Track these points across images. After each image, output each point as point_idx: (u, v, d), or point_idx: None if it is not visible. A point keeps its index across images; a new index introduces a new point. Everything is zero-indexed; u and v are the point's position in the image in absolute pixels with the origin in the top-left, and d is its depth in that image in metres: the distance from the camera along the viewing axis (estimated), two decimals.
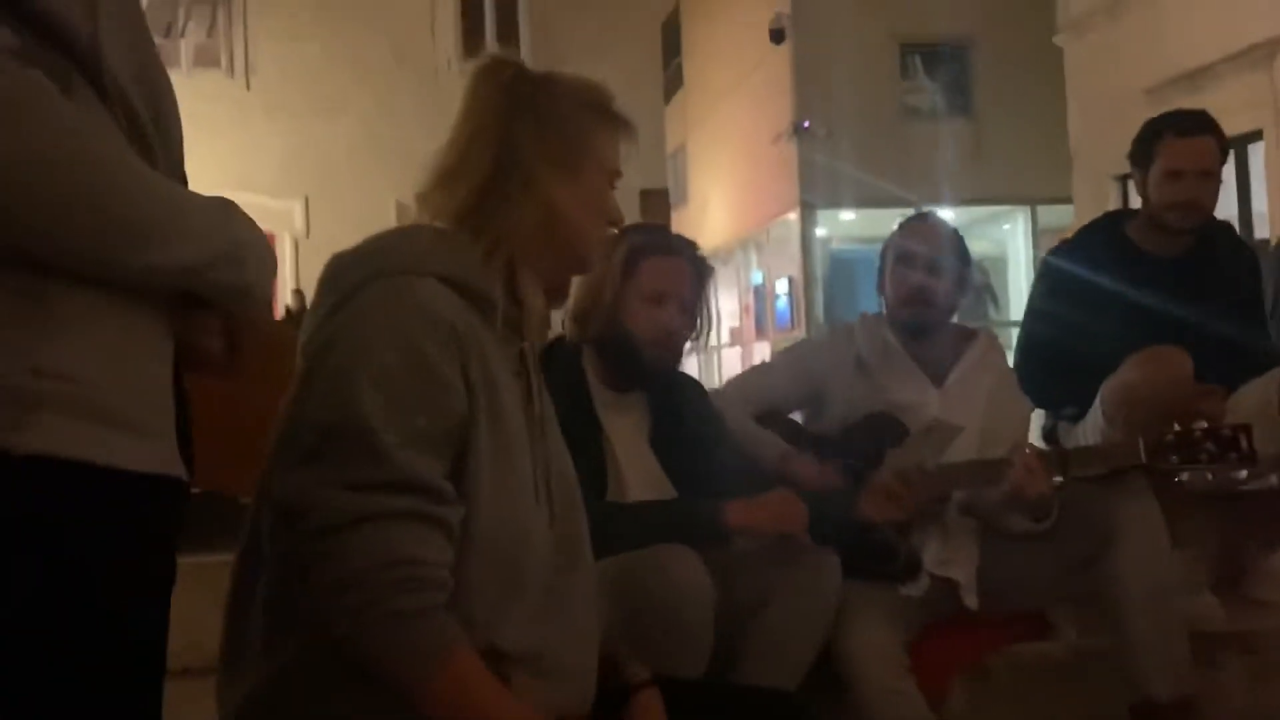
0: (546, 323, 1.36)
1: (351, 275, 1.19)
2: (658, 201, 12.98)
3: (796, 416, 2.31)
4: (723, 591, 1.68)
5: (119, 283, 0.87)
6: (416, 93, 13.25)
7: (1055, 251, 2.73)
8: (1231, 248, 2.67)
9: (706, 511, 1.76)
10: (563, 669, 1.24)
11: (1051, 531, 1.99)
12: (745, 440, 2.10)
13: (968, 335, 2.23)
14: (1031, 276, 16.11)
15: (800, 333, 14.91)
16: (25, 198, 0.79)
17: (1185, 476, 2.00)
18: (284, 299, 12.50)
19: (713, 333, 2.02)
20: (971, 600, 2.09)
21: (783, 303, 15.49)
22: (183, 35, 12.32)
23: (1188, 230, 2.52)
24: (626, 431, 1.90)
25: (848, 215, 15.27)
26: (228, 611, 1.21)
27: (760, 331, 15.81)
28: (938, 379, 2.17)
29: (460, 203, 1.24)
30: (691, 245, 1.98)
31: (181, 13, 12.31)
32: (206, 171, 13.15)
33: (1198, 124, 2.57)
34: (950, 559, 2.11)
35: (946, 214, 16.46)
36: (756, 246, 16.73)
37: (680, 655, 1.61)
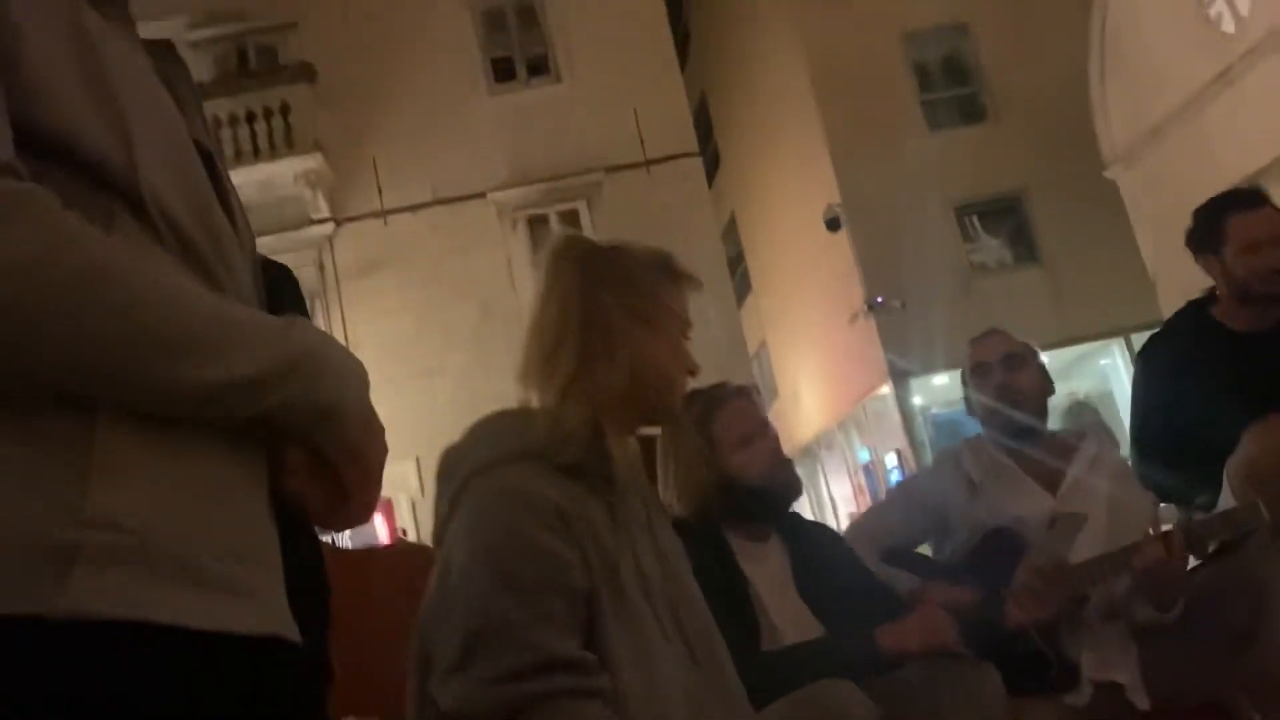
0: (639, 464, 1.47)
1: (457, 471, 1.35)
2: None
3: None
4: (893, 714, 1.72)
5: (176, 410, 0.74)
6: (505, 340, 13.94)
7: (1148, 348, 2.79)
8: None
9: (858, 641, 1.82)
10: None
11: (1201, 614, 1.98)
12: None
13: (1076, 438, 2.30)
14: None
15: None
16: (23, 313, 0.66)
17: None
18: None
19: (830, 519, 2.12)
20: (1141, 700, 2.07)
21: (895, 476, 15.30)
22: None
23: (1275, 299, 2.58)
24: (769, 579, 1.99)
25: (940, 379, 15.27)
26: None
27: None
28: (1053, 487, 2.22)
29: (563, 375, 1.38)
30: (729, 385, 2.14)
31: None
32: None
33: (1256, 198, 2.69)
34: (1109, 662, 2.10)
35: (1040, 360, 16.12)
36: (856, 426, 16.72)
37: None
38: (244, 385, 0.76)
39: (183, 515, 0.73)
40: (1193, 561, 2.06)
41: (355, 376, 0.89)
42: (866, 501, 16.16)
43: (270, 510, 0.83)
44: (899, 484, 2.53)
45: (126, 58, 0.83)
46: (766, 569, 2.02)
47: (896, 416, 14.98)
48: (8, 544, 0.65)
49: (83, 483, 0.69)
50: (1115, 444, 2.33)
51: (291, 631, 0.80)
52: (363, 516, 0.90)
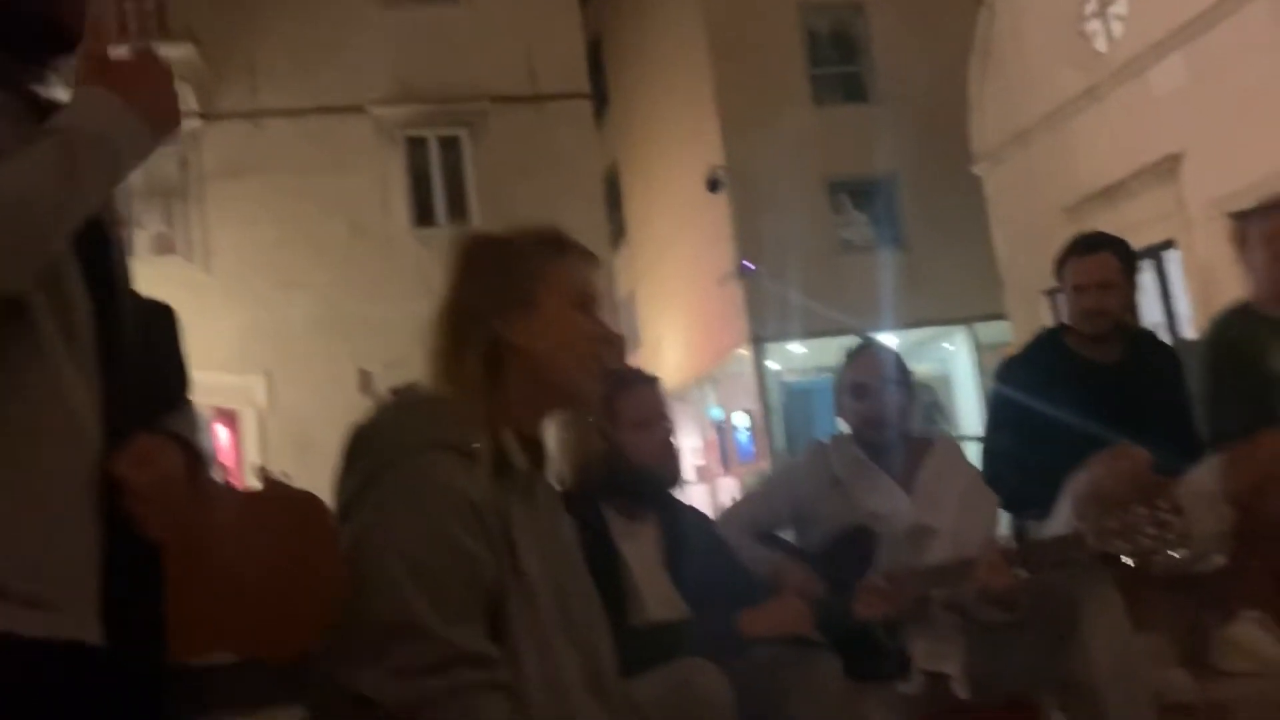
0: (541, 457, 1.48)
1: (377, 451, 1.37)
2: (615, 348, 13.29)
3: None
4: (742, 697, 1.85)
5: None
6: (372, 263, 13.64)
7: (1005, 366, 3.03)
8: (1156, 350, 2.98)
9: (721, 624, 1.95)
10: None
11: (1024, 620, 2.19)
12: (744, 557, 2.30)
13: (928, 441, 2.48)
14: (976, 391, 16.57)
15: (764, 465, 15.15)
16: None
17: (1132, 561, 2.20)
18: (248, 473, 12.51)
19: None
20: (962, 691, 2.27)
21: (744, 436, 15.76)
22: (141, 226, 12.65)
23: (1103, 336, 2.83)
24: (642, 557, 2.09)
25: (797, 347, 15.76)
26: None
27: (726, 468, 16.01)
28: (907, 484, 2.40)
29: (461, 371, 1.41)
30: (639, 371, 2.23)
31: (139, 204, 12.69)
32: None
33: (1095, 243, 2.93)
34: (939, 654, 2.29)
35: (889, 339, 16.89)
36: (713, 384, 17.12)
37: None
38: None
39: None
40: None
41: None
42: (715, 458, 16.62)
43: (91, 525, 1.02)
44: (771, 474, 2.70)
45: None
46: (640, 547, 2.12)
47: (752, 379, 15.40)
48: None
49: None
50: (960, 448, 2.52)
51: (94, 636, 0.99)
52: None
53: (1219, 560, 2.79)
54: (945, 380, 16.72)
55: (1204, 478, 2.64)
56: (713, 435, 16.94)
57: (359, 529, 1.33)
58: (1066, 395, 2.77)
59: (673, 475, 2.13)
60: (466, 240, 1.52)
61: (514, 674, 1.31)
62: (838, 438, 2.51)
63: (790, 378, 16.21)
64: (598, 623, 1.50)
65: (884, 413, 2.40)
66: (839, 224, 16.16)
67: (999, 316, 14.07)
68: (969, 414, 15.92)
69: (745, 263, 14.81)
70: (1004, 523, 2.78)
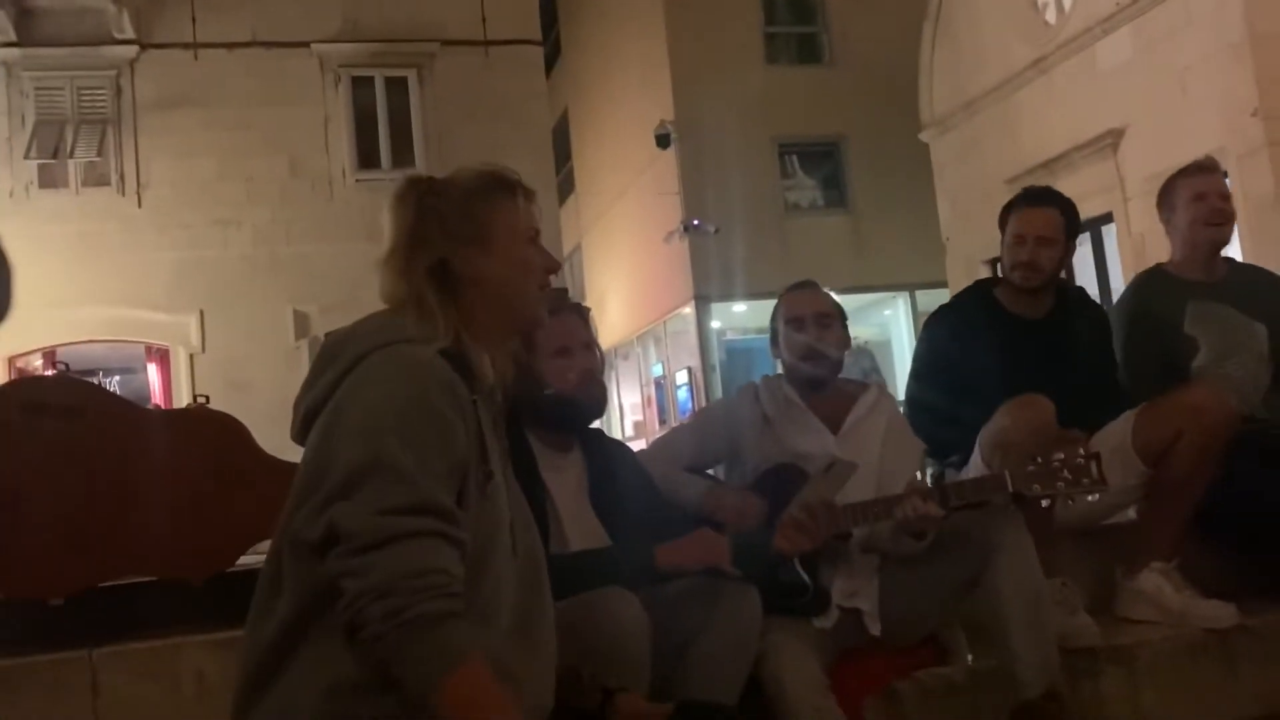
0: (505, 378, 1.56)
1: (352, 349, 1.41)
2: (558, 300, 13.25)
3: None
4: (659, 627, 1.87)
5: None
6: (311, 205, 13.38)
7: (934, 316, 3.06)
8: (1085, 308, 3.03)
9: (640, 556, 1.96)
10: (530, 678, 1.43)
11: (937, 558, 2.23)
12: (672, 486, 2.32)
13: (859, 387, 2.51)
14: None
15: None
16: None
17: (1047, 503, 2.26)
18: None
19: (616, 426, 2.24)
20: (875, 628, 2.32)
21: (683, 393, 15.85)
22: (71, 156, 12.24)
23: (1034, 290, 2.86)
24: (566, 489, 2.10)
25: (739, 307, 15.83)
26: (247, 632, 1.39)
27: (663, 423, 16.11)
28: (835, 427, 2.43)
29: (416, 294, 1.46)
30: (567, 298, 2.24)
31: (70, 133, 12.27)
32: (98, 289, 12.87)
33: (1043, 197, 2.95)
34: (855, 592, 2.34)
35: None
36: (655, 340, 17.16)
37: (624, 683, 1.79)
38: None
39: None
40: None
41: None
42: (653, 413, 16.70)
43: None
44: (700, 410, 2.73)
45: None
46: (564, 478, 2.12)
47: (694, 337, 15.46)
48: None
49: None
50: (891, 396, 2.55)
51: None
52: None
53: (1129, 513, 2.88)
54: (884, 345, 16.92)
55: (1118, 432, 2.71)
56: (652, 391, 17.02)
57: (334, 407, 1.36)
58: (992, 347, 2.82)
59: (593, 404, 2.13)
60: (418, 181, 1.55)
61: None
62: (769, 378, 2.53)
63: (732, 336, 16.30)
64: (535, 539, 1.54)
65: (820, 345, 2.42)
66: (786, 185, 16.20)
67: (940, 284, 14.24)
68: (906, 379, 16.17)
69: (693, 220, 14.80)
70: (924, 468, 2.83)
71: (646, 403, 17.03)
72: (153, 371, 13.67)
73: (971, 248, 13.03)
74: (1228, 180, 3.17)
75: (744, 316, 16.31)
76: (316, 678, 1.31)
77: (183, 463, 2.41)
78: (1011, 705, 2.17)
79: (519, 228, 1.56)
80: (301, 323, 13.53)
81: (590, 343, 2.13)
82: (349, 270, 13.49)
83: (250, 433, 2.51)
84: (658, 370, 16.92)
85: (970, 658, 2.44)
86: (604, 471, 2.16)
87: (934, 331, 3.00)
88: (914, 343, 16.12)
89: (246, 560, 2.53)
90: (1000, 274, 2.95)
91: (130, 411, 2.47)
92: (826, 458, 2.32)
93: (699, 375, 15.30)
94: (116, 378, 14.69)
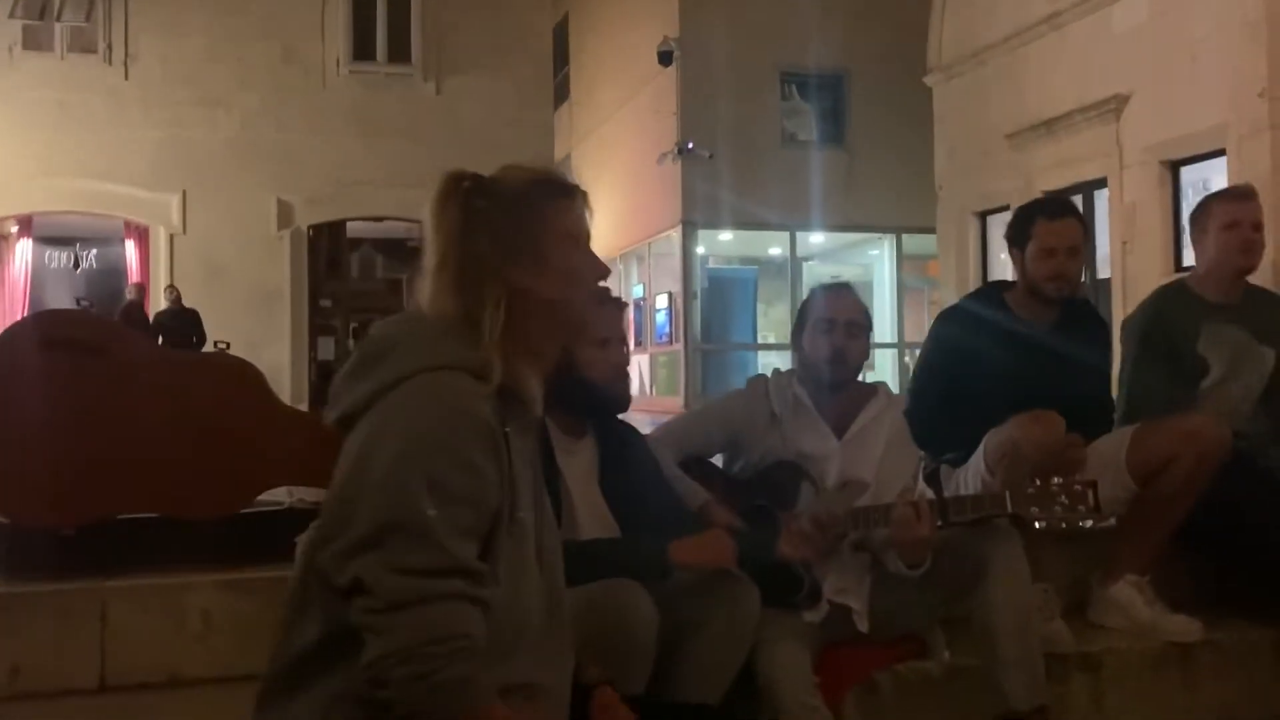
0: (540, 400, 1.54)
1: (396, 363, 1.39)
2: None
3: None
4: (662, 617, 1.94)
5: None
6: (303, 93, 13.11)
7: (945, 314, 3.11)
8: (1090, 320, 3.08)
9: (653, 550, 2.01)
10: (548, 693, 1.49)
11: (932, 569, 2.31)
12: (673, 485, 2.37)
13: (869, 392, 2.55)
14: (893, 299, 16.89)
15: (678, 347, 15.33)
16: None
17: (1042, 526, 2.33)
18: (158, 292, 12.19)
19: None
20: (863, 625, 2.41)
21: (662, 317, 15.88)
22: (58, 19, 11.86)
23: (1059, 300, 2.92)
24: (578, 474, 2.13)
25: (726, 235, 15.78)
26: (276, 660, 1.42)
27: (639, 344, 16.17)
28: (840, 431, 2.48)
29: (461, 312, 1.43)
30: (608, 291, 2.25)
31: None
32: (80, 159, 12.69)
33: (1063, 208, 2.98)
34: (846, 588, 2.41)
35: (818, 238, 16.99)
36: (638, 259, 17.11)
37: (627, 675, 1.86)
38: None
39: None
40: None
41: None
42: (630, 336, 16.72)
43: None
44: (712, 401, 2.79)
45: None
46: (578, 463, 2.15)
47: (678, 261, 15.43)
48: None
49: None
50: (898, 401, 2.60)
51: None
52: None
53: (1110, 523, 2.97)
54: (867, 286, 17.00)
55: (1114, 446, 2.78)
56: (630, 312, 17.04)
57: (370, 430, 1.36)
58: (998, 351, 2.87)
59: (621, 398, 2.16)
60: (463, 177, 1.49)
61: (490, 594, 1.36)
62: (780, 375, 2.56)
63: (716, 264, 16.29)
64: (559, 549, 1.56)
65: (848, 353, 2.46)
66: (785, 114, 16.02)
67: (927, 230, 14.26)
68: (884, 321, 16.27)
69: (688, 143, 14.65)
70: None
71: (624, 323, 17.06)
72: (130, 248, 13.50)
73: (964, 198, 13.03)
74: (1243, 187, 3.20)
75: (730, 245, 16.28)
76: (332, 711, 1.34)
77: (200, 405, 2.43)
78: (995, 713, 2.27)
79: (573, 235, 1.51)
80: (285, 213, 13.37)
81: (624, 337, 2.15)
82: (336, 163, 13.30)
83: (267, 380, 2.53)
84: (638, 291, 16.91)
85: (948, 655, 2.54)
86: (616, 459, 2.19)
87: (943, 329, 3.04)
88: (894, 285, 16.22)
89: (257, 504, 2.57)
90: (1020, 281, 2.98)
91: (151, 351, 2.48)
92: (828, 462, 2.38)
93: (680, 301, 15.31)
94: (94, 250, 14.51)
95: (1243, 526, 2.77)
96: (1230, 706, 2.70)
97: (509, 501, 1.39)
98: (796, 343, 2.56)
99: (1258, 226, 3.00)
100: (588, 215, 1.56)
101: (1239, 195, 3.09)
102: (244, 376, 2.51)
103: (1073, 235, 2.89)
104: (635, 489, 2.18)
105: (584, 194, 1.55)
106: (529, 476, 1.47)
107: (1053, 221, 2.88)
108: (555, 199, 1.51)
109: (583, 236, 1.53)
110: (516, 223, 1.46)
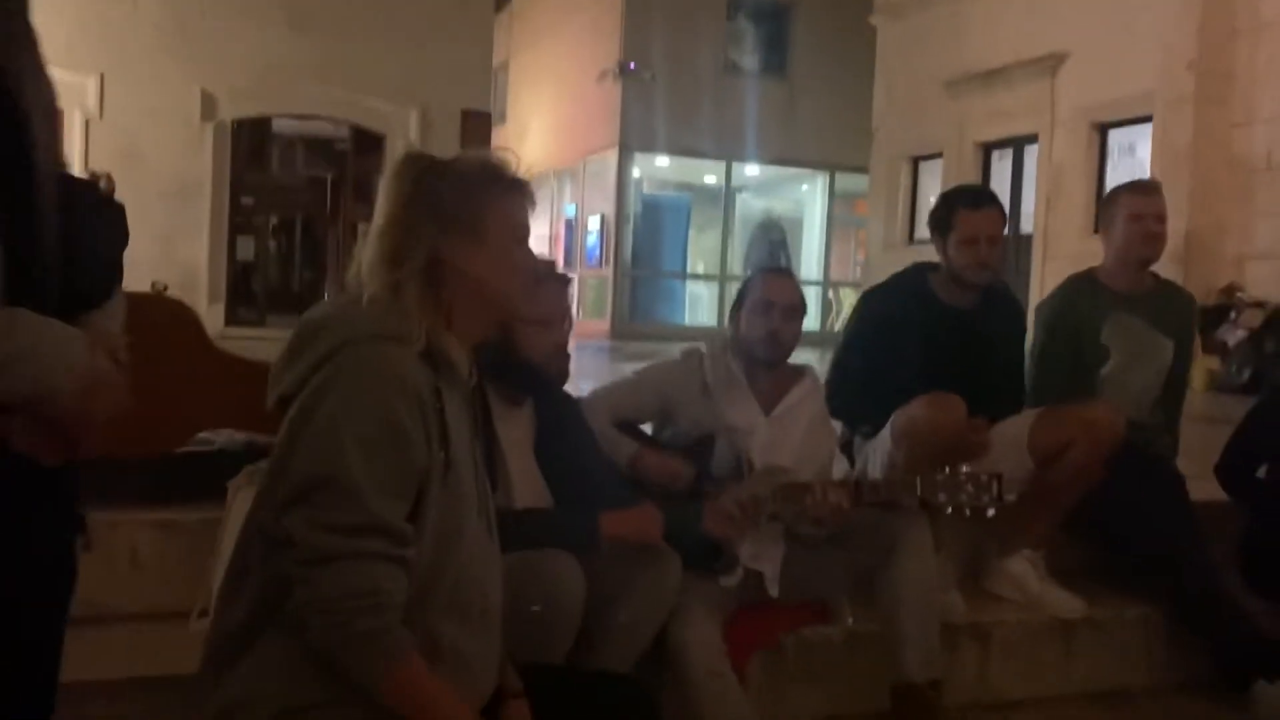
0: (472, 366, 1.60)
1: (327, 339, 1.44)
2: (479, 124, 12.90)
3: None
4: (587, 586, 2.02)
5: None
6: None
7: (870, 293, 3.22)
8: (1007, 305, 3.21)
9: (584, 522, 2.09)
10: (469, 664, 1.54)
11: (843, 541, 2.44)
12: (606, 444, 2.44)
13: (798, 373, 2.65)
14: (822, 235, 17.00)
15: (608, 271, 15.32)
16: None
17: (949, 511, 2.47)
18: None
19: None
20: (774, 590, 2.54)
21: (593, 239, 15.81)
22: None
23: (979, 286, 3.03)
24: (516, 442, 2.19)
25: (662, 160, 15.69)
26: (219, 604, 1.49)
27: (568, 265, 16.12)
28: (768, 408, 2.58)
29: (398, 284, 1.48)
30: (553, 265, 2.29)
31: None
32: None
33: (984, 198, 3.09)
34: (760, 555, 2.54)
35: (753, 170, 16.99)
36: (571, 178, 16.93)
37: (552, 642, 1.96)
38: None
39: None
40: None
41: (63, 366, 1.15)
42: (559, 253, 16.64)
43: None
44: (645, 369, 2.83)
45: None
46: (515, 432, 2.21)
47: (612, 183, 15.32)
48: None
49: None
50: (821, 386, 2.71)
51: None
52: (90, 452, 1.23)
53: (1008, 499, 3.15)
54: (796, 222, 17.12)
55: (1016, 428, 2.94)
56: (561, 230, 16.92)
57: (303, 403, 1.41)
58: (918, 331, 2.99)
59: (559, 375, 2.22)
60: (420, 157, 1.54)
61: (416, 553, 1.42)
62: (714, 346, 2.63)
63: (650, 190, 16.21)
64: (493, 511, 1.62)
65: (782, 335, 2.55)
66: (730, 38, 15.87)
67: (861, 169, 14.39)
68: (811, 257, 16.45)
69: (629, 63, 14.45)
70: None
71: (554, 240, 16.93)
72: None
73: (899, 142, 13.15)
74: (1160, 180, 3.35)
75: (665, 171, 16.20)
76: (280, 661, 1.41)
77: (132, 344, 2.41)
78: (893, 680, 2.43)
79: (513, 226, 1.56)
80: (209, 104, 12.89)
81: (567, 313, 2.20)
82: (263, 54, 12.82)
83: (203, 324, 2.52)
84: (570, 211, 16.78)
85: (851, 620, 2.69)
86: (553, 429, 2.25)
87: (867, 307, 3.15)
88: (824, 222, 16.34)
89: (188, 445, 2.58)
90: (943, 265, 3.08)
91: None
92: (753, 435, 2.48)
93: (612, 225, 15.25)
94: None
95: (1130, 510, 2.97)
96: (1103, 678, 2.92)
97: (443, 462, 1.44)
98: (734, 319, 2.64)
99: (1161, 219, 3.14)
100: (530, 211, 1.61)
101: (1145, 189, 3.23)
102: (179, 319, 2.50)
103: (993, 225, 2.99)
104: (570, 459, 2.24)
105: (529, 188, 1.60)
106: (465, 435, 1.52)
107: (974, 212, 2.99)
108: (503, 186, 1.56)
109: (522, 230, 1.59)
110: (460, 199, 1.51)
